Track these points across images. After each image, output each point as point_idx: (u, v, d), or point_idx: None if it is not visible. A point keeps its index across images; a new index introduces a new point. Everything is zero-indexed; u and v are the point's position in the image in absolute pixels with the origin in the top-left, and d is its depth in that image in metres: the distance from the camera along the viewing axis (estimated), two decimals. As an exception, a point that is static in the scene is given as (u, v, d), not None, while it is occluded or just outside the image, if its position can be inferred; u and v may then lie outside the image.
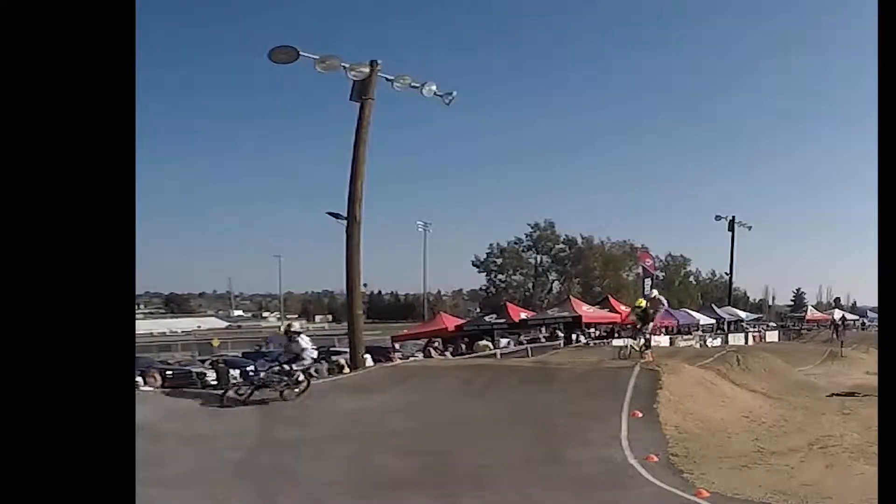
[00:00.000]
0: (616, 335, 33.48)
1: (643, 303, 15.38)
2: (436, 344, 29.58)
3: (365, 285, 37.70)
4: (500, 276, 70.36)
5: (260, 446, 8.52)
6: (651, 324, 15.14)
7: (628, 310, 15.64)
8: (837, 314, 51.66)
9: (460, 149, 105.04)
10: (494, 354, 19.62)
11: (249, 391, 10.63)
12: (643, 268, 42.06)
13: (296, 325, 12.96)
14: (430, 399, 11.00)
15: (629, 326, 15.63)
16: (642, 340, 14.73)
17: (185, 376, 23.37)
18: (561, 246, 70.30)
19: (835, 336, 37.66)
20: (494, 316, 33.66)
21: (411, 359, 22.80)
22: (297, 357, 10.95)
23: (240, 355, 30.87)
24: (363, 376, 13.47)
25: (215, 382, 22.50)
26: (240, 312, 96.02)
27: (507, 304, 35.88)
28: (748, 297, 76.84)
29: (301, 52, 17.57)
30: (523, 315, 31.11)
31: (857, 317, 52.37)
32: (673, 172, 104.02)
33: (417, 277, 60.51)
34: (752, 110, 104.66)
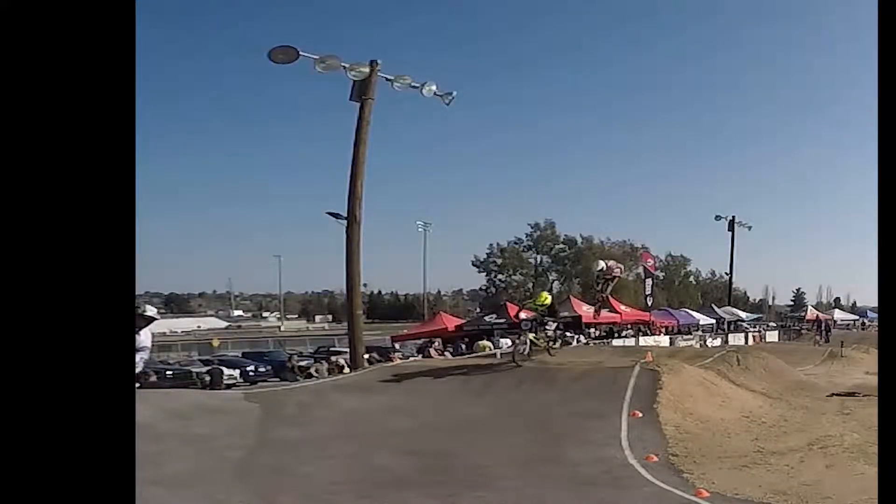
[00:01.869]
0: (616, 335, 33.59)
1: (548, 299, 13.79)
2: (435, 344, 29.60)
3: (365, 285, 37.69)
4: (500, 276, 70.47)
5: (258, 445, 8.51)
6: (554, 322, 13.50)
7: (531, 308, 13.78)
8: (837, 314, 51.73)
9: (460, 149, 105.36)
10: (494, 354, 19.60)
11: None
12: (644, 268, 42.08)
13: (151, 310, 7.92)
14: (430, 399, 11.01)
15: (527, 321, 13.53)
16: (546, 337, 13.16)
17: (184, 376, 23.46)
18: (561, 246, 70.42)
19: (818, 336, 37.97)
20: (494, 316, 33.70)
21: (411, 359, 22.82)
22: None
23: (239, 355, 30.97)
24: (363, 376, 13.48)
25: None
26: (240, 312, 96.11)
27: (507, 304, 35.89)
28: (748, 297, 76.98)
29: (301, 52, 17.63)
30: (523, 315, 31.08)
31: (856, 317, 52.42)
32: (673, 172, 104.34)
33: (417, 277, 60.69)
34: (753, 110, 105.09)
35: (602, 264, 16.00)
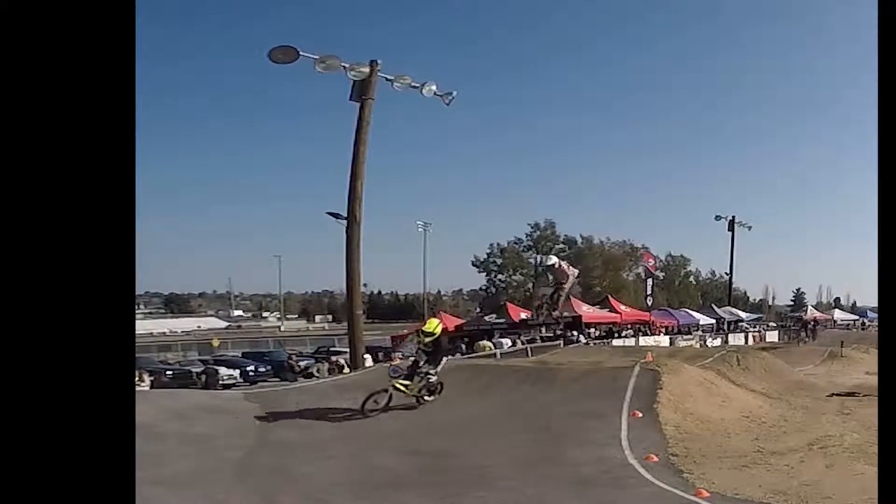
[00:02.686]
0: (616, 335, 33.61)
1: (438, 327, 10.70)
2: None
3: (365, 285, 37.61)
4: (500, 276, 70.46)
5: (258, 446, 8.51)
6: (444, 359, 10.58)
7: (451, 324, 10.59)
8: (837, 314, 51.76)
9: (460, 149, 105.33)
10: (494, 354, 19.60)
11: None
12: (645, 268, 42.14)
13: None
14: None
15: (396, 368, 10.60)
16: (422, 380, 10.21)
17: (184, 376, 23.56)
18: (561, 246, 70.34)
19: (803, 334, 38.35)
20: (494, 316, 33.71)
21: (411, 359, 22.79)
22: None
23: (239, 355, 30.99)
24: (363, 376, 13.45)
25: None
26: (240, 312, 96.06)
27: (507, 304, 35.91)
28: (748, 297, 76.93)
29: (301, 52, 17.61)
30: (523, 315, 31.12)
31: (856, 317, 52.39)
32: (673, 172, 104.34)
33: (417, 277, 60.53)
34: (753, 110, 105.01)
35: (554, 259, 13.96)
